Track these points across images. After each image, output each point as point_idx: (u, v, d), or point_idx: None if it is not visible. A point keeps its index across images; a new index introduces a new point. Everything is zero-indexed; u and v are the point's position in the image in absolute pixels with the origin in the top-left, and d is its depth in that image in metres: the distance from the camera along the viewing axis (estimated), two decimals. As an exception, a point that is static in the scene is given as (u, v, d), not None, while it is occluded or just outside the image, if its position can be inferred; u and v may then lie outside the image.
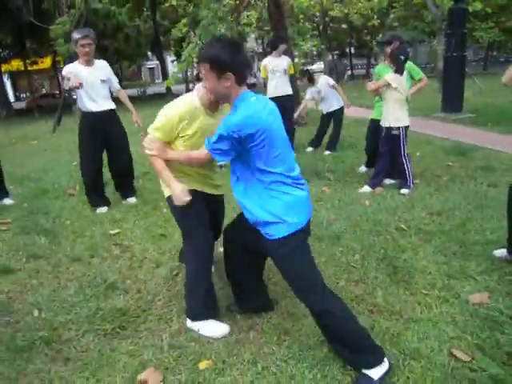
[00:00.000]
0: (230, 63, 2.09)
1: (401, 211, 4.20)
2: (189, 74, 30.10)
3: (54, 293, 3.11)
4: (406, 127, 4.74)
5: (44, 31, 18.11)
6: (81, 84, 4.38)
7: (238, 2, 14.69)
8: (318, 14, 25.80)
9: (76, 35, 4.38)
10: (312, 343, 2.40)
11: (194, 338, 2.51)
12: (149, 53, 34.99)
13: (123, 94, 5.03)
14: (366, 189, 4.88)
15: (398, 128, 4.67)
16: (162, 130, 2.42)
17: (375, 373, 2.12)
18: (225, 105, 2.51)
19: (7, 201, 5.38)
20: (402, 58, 4.53)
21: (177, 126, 2.41)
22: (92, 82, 4.56)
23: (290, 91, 6.84)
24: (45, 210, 4.90)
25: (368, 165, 5.62)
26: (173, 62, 40.85)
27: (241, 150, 2.10)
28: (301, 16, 21.77)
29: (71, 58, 13.93)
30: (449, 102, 9.98)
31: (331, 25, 31.34)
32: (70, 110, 15.61)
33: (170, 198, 2.55)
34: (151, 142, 2.44)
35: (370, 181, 4.96)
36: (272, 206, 2.17)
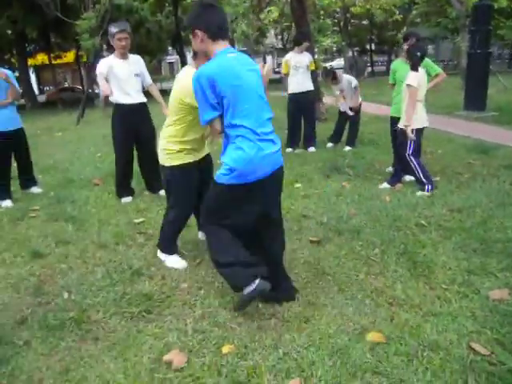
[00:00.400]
0: (195, 21, 2.41)
1: (421, 207, 4.21)
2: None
3: (82, 277, 3.24)
4: (420, 129, 4.67)
5: (68, 26, 18.39)
6: (111, 92, 4.58)
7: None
8: (338, 10, 25.66)
9: (113, 29, 4.50)
10: (332, 332, 2.46)
11: (217, 324, 2.59)
12: (169, 48, 35.24)
13: (154, 89, 5.15)
14: (385, 186, 4.90)
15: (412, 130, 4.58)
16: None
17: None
18: None
19: (35, 189, 5.56)
20: (419, 54, 4.50)
21: None
22: (126, 76, 4.67)
23: (311, 87, 6.94)
24: (71, 199, 5.05)
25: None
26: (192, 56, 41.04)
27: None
28: (321, 12, 21.69)
29: (96, 52, 14.20)
30: (472, 100, 9.86)
31: (352, 21, 31.15)
32: (92, 103, 15.86)
33: (171, 169, 3.06)
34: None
35: (389, 179, 4.97)
36: (228, 156, 2.46)
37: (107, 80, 4.62)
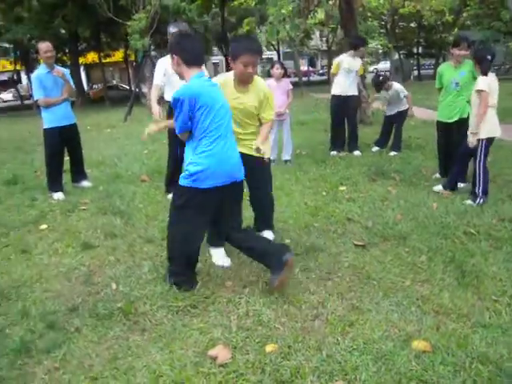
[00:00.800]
0: (174, 47, 2.86)
1: (470, 216, 4.10)
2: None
3: (130, 269, 3.34)
4: (491, 139, 4.49)
5: (118, 26, 18.96)
6: (161, 115, 4.82)
7: (307, 1, 14.70)
8: (386, 12, 25.25)
9: (171, 29, 4.63)
10: (377, 337, 2.43)
11: (260, 322, 2.62)
12: (214, 48, 35.67)
13: None
14: (439, 188, 4.79)
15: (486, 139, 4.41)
16: None
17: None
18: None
19: (85, 183, 5.78)
20: (489, 57, 4.34)
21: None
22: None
23: (356, 92, 6.99)
24: (119, 194, 5.22)
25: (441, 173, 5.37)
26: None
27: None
28: (369, 14, 21.40)
29: (145, 52, 14.57)
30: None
31: (400, 23, 30.55)
32: (139, 101, 16.28)
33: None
34: None
35: (445, 182, 4.84)
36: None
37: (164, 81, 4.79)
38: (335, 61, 7.00)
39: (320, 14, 18.53)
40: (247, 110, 3.36)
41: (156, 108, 4.83)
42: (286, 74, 6.29)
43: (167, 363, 2.32)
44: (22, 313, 2.85)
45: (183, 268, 3.01)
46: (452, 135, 5.06)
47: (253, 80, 3.33)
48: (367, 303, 2.77)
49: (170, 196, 4.95)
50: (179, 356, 2.37)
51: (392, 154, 6.79)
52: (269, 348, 2.38)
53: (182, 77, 2.93)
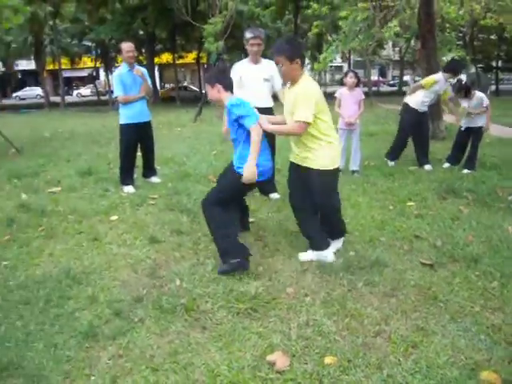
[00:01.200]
0: (216, 78, 3.43)
1: None
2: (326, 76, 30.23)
3: (194, 267, 3.41)
4: None
5: (193, 29, 19.56)
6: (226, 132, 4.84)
7: (386, 11, 14.43)
8: (465, 23, 24.24)
9: (248, 34, 4.71)
10: (441, 362, 2.33)
11: (321, 333, 2.58)
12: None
13: (282, 95, 5.24)
14: None
15: None
16: None
17: None
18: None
19: (155, 179, 5.99)
20: None
21: None
22: (255, 80, 4.83)
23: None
24: (187, 192, 5.36)
25: None
26: (307, 64, 41.34)
27: None
28: (447, 25, 20.62)
29: (219, 55, 14.92)
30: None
31: (479, 35, 29.25)
32: (208, 103, 16.65)
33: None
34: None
35: None
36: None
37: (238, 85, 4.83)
38: (433, 78, 6.66)
39: (394, 24, 18.11)
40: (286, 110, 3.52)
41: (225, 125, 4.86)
42: (358, 84, 6.19)
43: (225, 363, 2.34)
44: (91, 298, 3.00)
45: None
46: None
47: (297, 80, 3.35)
48: (433, 325, 2.66)
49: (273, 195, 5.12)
50: (237, 358, 2.38)
51: (465, 171, 6.48)
52: (328, 360, 2.35)
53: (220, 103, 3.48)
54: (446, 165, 6.90)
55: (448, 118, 9.76)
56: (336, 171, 3.46)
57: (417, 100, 6.65)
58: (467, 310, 2.82)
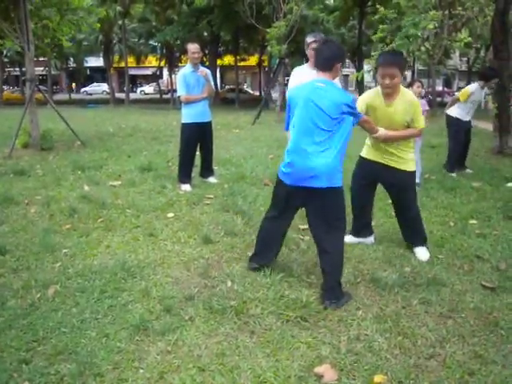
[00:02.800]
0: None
1: None
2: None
3: (246, 270, 3.41)
4: None
5: (257, 32, 19.74)
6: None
7: (456, 20, 13.90)
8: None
9: (309, 39, 4.68)
10: (501, 394, 2.20)
11: (371, 349, 2.50)
12: (347, 60, 35.45)
13: None
14: None
15: None
16: None
17: None
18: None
19: (212, 179, 6.07)
20: None
21: None
22: None
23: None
24: (243, 194, 5.38)
25: None
26: (369, 71, 40.61)
27: None
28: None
29: (281, 59, 14.96)
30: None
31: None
32: (267, 106, 16.76)
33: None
34: None
35: None
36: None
37: None
38: (467, 90, 6.77)
39: (464, 36, 17.40)
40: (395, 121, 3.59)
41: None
42: (424, 95, 6.04)
43: (272, 370, 2.32)
44: (144, 292, 3.06)
45: None
46: None
47: (399, 92, 3.51)
48: (492, 353, 2.50)
49: None
50: (284, 366, 2.35)
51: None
52: (377, 378, 2.27)
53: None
54: (510, 184, 6.53)
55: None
56: None
57: (457, 111, 6.84)
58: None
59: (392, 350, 2.51)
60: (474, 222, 4.62)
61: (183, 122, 5.68)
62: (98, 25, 11.98)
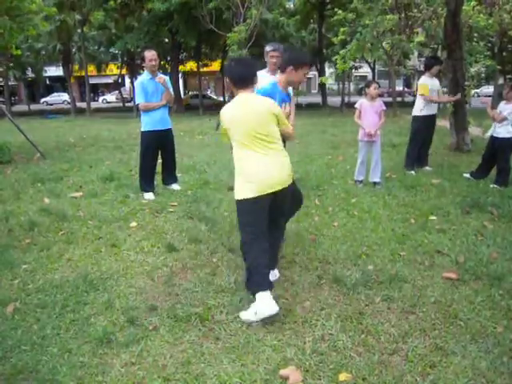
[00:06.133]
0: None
1: None
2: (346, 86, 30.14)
3: (210, 276, 3.40)
4: None
5: (218, 37, 19.76)
6: None
7: (409, 20, 14.30)
8: (494, 33, 23.86)
9: (268, 48, 4.83)
10: (461, 384, 2.26)
11: (336, 348, 2.53)
12: (309, 63, 35.91)
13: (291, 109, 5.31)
14: None
15: None
16: None
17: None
18: None
19: (175, 186, 6.02)
20: None
21: None
22: None
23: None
24: (206, 200, 5.36)
25: None
26: (331, 74, 41.22)
27: None
28: (475, 35, 20.25)
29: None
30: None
31: (509, 46, 28.70)
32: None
33: None
34: None
35: None
36: None
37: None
38: (422, 83, 7.07)
39: (421, 36, 17.94)
40: None
41: None
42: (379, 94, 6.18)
43: (237, 375, 2.32)
44: (107, 304, 3.01)
45: None
46: None
47: None
48: (452, 345, 2.58)
49: None
50: (250, 370, 2.35)
51: (492, 186, 6.30)
52: (342, 377, 2.30)
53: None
54: (466, 175, 6.76)
55: (473, 131, 9.58)
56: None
57: (426, 107, 7.09)
58: (489, 331, 2.73)
59: (356, 347, 2.55)
60: (434, 217, 4.75)
61: (142, 130, 5.62)
62: (54, 9, 11.65)
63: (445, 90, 8.63)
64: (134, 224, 4.60)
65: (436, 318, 2.86)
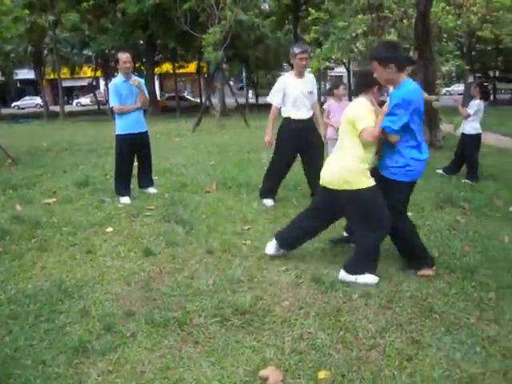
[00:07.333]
0: (391, 55, 3.19)
1: None
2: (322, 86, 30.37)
3: (188, 279, 3.37)
4: None
5: (194, 39, 19.66)
6: (270, 144, 5.25)
7: (381, 21, 14.52)
8: (463, 33, 24.37)
9: (296, 49, 4.90)
10: (436, 376, 2.30)
11: (315, 347, 2.55)
12: (285, 64, 36.04)
13: (317, 108, 5.37)
14: None
15: None
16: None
17: None
18: None
19: (152, 189, 5.96)
20: None
21: None
22: (299, 93, 5.01)
23: None
24: (184, 202, 5.33)
25: None
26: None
27: None
28: (444, 35, 20.64)
29: (218, 64, 15.01)
30: None
31: (477, 46, 29.37)
32: (208, 112, 16.76)
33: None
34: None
35: None
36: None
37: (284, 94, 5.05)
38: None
39: (393, 36, 18.21)
40: None
41: (270, 135, 5.16)
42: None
43: (217, 379, 2.31)
44: (83, 312, 2.95)
45: None
46: None
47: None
48: (428, 338, 2.63)
49: (266, 201, 5.22)
50: (230, 373, 2.35)
51: (464, 181, 6.45)
52: (321, 375, 2.32)
53: (389, 82, 3.35)
54: (439, 170, 6.91)
55: (445, 128, 9.77)
56: None
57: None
58: (463, 322, 2.79)
59: (335, 345, 2.57)
60: (410, 214, 4.80)
61: (117, 133, 5.55)
62: (19, 28, 11.41)
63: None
64: (109, 229, 4.53)
65: (412, 312, 2.91)
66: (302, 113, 5.04)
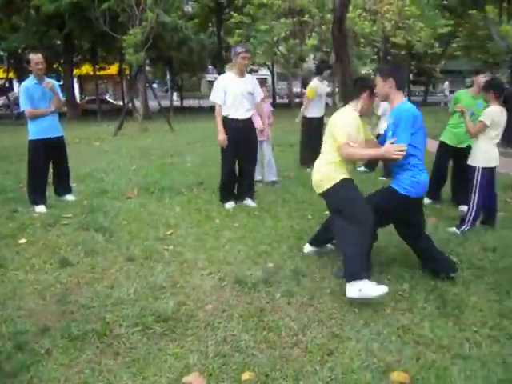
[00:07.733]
0: (394, 73, 3.34)
1: (453, 244, 4.08)
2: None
3: (108, 289, 3.25)
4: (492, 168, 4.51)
5: (114, 40, 19.06)
6: (224, 142, 5.13)
7: (302, 25, 14.98)
8: (379, 39, 25.74)
9: (239, 49, 4.97)
10: (356, 367, 2.39)
11: (238, 348, 2.55)
12: (210, 67, 35.97)
13: (260, 108, 5.46)
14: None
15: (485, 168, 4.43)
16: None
17: None
18: None
19: (69, 197, 5.69)
20: (507, 86, 4.40)
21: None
22: (241, 93, 5.03)
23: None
24: (104, 209, 5.14)
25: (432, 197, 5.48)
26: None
27: None
28: (362, 40, 21.71)
29: (140, 66, 14.63)
30: (509, 135, 9.58)
31: (392, 51, 31.13)
32: (130, 115, 16.31)
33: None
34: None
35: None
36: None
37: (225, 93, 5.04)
38: (311, 86, 7.33)
39: (314, 40, 18.86)
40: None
41: (222, 133, 5.07)
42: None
43: (138, 390, 2.25)
44: (-8, 331, 2.75)
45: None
46: (460, 160, 5.10)
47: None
48: (347, 331, 2.73)
49: (227, 204, 5.18)
50: (152, 382, 2.30)
51: (381, 178, 6.81)
52: (245, 376, 2.32)
53: (385, 98, 3.43)
54: (362, 168, 7.26)
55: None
56: None
57: (313, 111, 7.42)
58: (379, 314, 2.93)
59: (258, 345, 2.60)
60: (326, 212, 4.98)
61: (30, 138, 5.25)
62: None
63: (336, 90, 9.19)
64: (23, 240, 4.26)
65: (333, 307, 3.01)
66: (240, 113, 5.09)
